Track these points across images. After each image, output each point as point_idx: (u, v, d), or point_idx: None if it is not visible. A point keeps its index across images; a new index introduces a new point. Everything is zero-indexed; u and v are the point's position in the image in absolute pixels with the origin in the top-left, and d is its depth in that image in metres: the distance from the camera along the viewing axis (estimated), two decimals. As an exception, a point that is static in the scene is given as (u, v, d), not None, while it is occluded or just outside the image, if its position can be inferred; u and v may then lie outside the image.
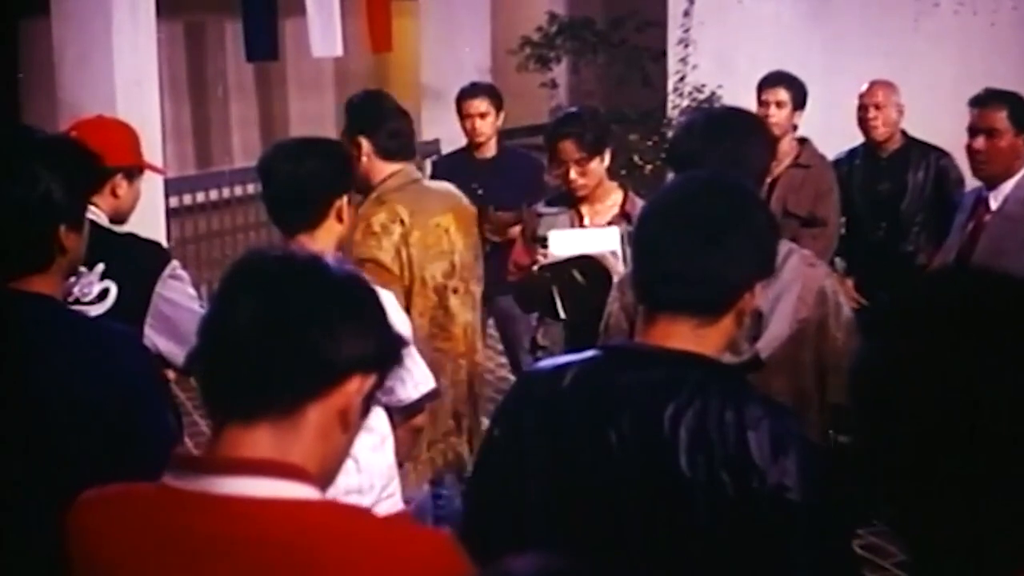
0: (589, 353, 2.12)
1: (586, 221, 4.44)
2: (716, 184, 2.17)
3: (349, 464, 2.99)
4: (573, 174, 4.36)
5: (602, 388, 2.01)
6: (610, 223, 4.39)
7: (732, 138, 2.90)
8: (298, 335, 1.51)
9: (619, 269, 3.94)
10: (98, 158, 2.74)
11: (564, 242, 4.24)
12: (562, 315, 4.26)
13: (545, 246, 4.31)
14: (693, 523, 1.90)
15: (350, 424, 1.56)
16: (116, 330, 2.52)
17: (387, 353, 1.59)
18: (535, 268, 4.25)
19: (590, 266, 4.07)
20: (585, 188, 4.39)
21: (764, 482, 1.87)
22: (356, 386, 1.54)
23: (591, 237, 4.25)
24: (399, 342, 1.61)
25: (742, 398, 1.95)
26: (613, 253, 4.13)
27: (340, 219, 3.21)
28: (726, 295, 2.04)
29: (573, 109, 4.88)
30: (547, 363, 2.16)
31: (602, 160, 4.39)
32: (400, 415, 3.26)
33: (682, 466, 1.90)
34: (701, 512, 1.89)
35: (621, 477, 1.95)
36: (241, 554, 1.46)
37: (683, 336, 2.01)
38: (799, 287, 2.83)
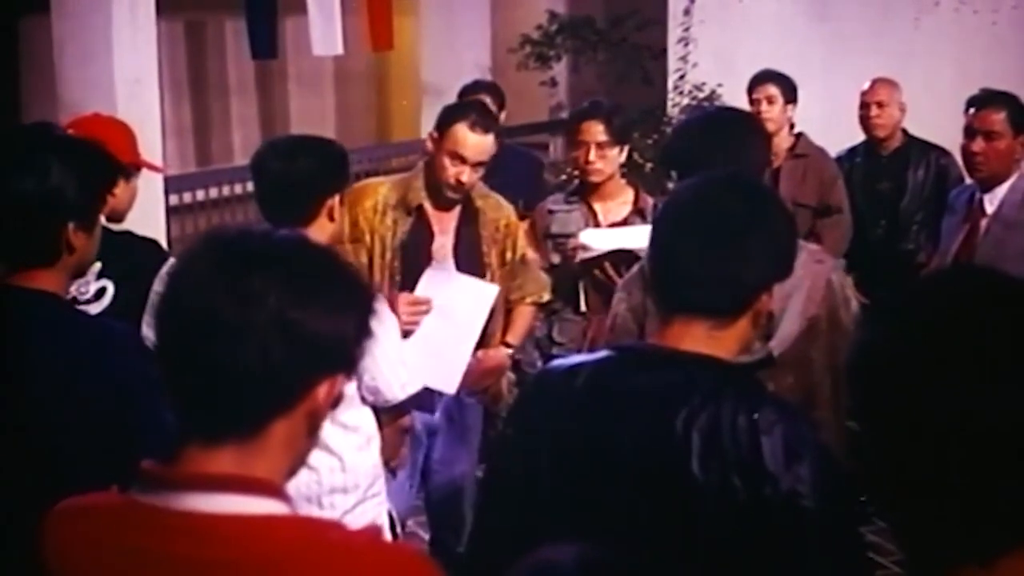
0: (603, 354, 2.11)
1: (600, 218, 4.42)
2: (734, 185, 2.14)
3: (334, 463, 3.00)
4: (592, 155, 4.32)
5: (615, 390, 1.99)
6: (625, 220, 4.38)
7: (731, 138, 2.89)
8: (261, 352, 1.41)
9: None
10: (115, 160, 2.75)
11: (600, 239, 4.26)
12: (583, 308, 4.33)
13: (568, 237, 4.34)
14: (704, 527, 1.89)
15: (318, 425, 1.51)
16: (117, 329, 2.51)
17: (355, 351, 1.51)
18: (576, 261, 4.25)
19: (625, 259, 4.05)
20: (600, 174, 4.35)
21: (777, 488, 1.86)
22: (325, 390, 1.48)
23: (624, 235, 4.26)
24: (366, 333, 1.51)
25: (756, 402, 1.94)
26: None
27: (332, 218, 3.21)
28: (742, 297, 2.02)
29: (599, 99, 4.86)
30: (560, 363, 2.15)
31: (621, 152, 4.39)
32: (387, 415, 3.25)
33: (694, 470, 1.89)
34: (712, 517, 1.88)
35: (633, 479, 1.94)
36: (204, 573, 1.41)
37: (698, 338, 2.00)
38: (808, 285, 2.81)
